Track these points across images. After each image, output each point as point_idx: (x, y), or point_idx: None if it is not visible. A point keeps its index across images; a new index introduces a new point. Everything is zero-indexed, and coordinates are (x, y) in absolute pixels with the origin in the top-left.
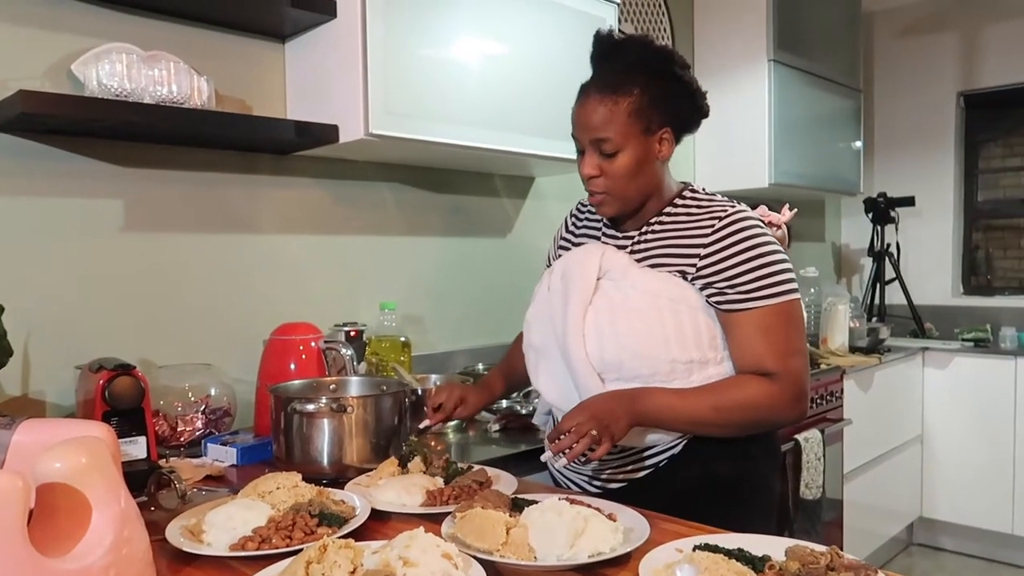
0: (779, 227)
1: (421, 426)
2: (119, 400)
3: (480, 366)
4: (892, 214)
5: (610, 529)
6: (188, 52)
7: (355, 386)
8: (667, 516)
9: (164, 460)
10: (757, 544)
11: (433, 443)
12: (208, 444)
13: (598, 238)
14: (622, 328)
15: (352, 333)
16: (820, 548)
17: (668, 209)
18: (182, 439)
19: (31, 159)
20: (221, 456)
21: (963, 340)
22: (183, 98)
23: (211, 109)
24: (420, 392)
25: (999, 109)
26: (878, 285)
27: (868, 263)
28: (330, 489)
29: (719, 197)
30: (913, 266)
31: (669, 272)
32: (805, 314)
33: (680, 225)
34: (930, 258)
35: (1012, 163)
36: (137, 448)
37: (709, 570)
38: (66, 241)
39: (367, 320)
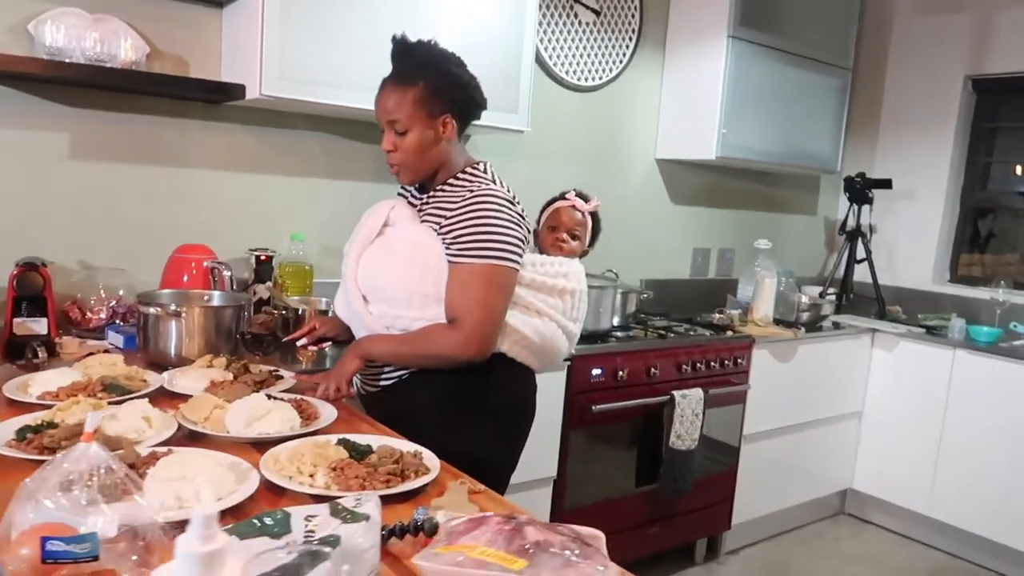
0: (581, 212)
1: (287, 339)
2: (25, 288)
3: None
4: (868, 194)
5: (286, 419)
6: (133, 15)
7: (217, 298)
8: (377, 424)
9: (59, 337)
10: (387, 443)
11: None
12: (109, 331)
13: (405, 196)
14: (386, 261)
15: (262, 257)
16: (410, 449)
17: (451, 180)
18: (91, 325)
19: None
20: (115, 341)
21: (922, 326)
22: (110, 58)
23: (128, 68)
24: (301, 312)
25: (1008, 96)
26: (851, 263)
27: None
28: (145, 370)
29: (488, 176)
30: (900, 248)
31: (429, 226)
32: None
33: (448, 193)
34: (916, 242)
35: (1018, 155)
36: (40, 326)
37: (308, 449)
38: (20, 164)
39: (285, 249)
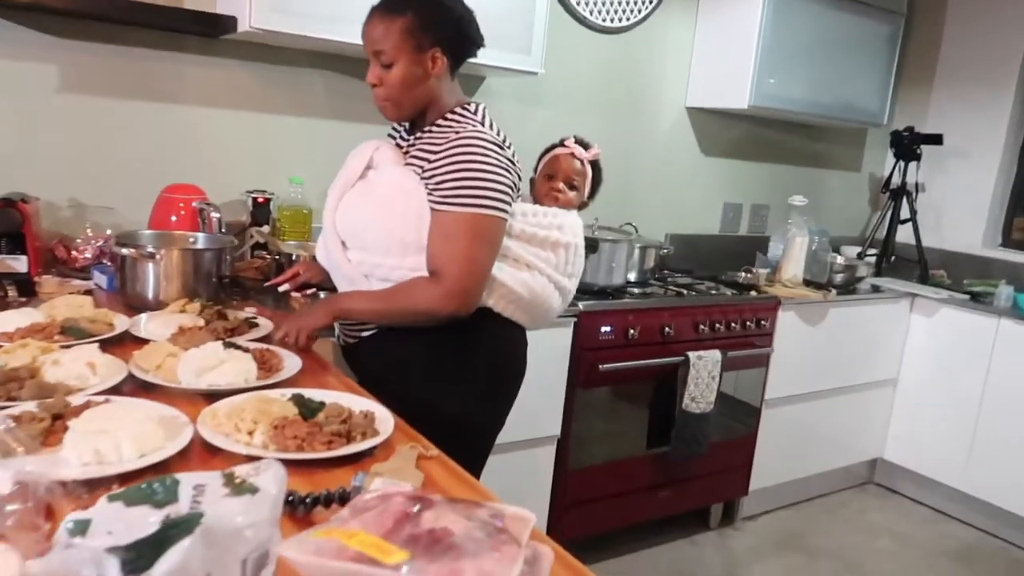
0: (581, 161)
1: (268, 284)
2: (2, 225)
3: None
4: (917, 150)
5: (240, 370)
6: None
7: (202, 241)
8: (346, 379)
9: (38, 276)
10: (344, 400)
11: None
12: (94, 271)
13: (395, 137)
14: (366, 205)
15: (259, 200)
16: (362, 408)
17: (439, 121)
18: (76, 264)
19: None
20: (100, 281)
21: (967, 292)
22: None
23: None
24: (295, 257)
25: None
26: (894, 223)
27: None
28: (116, 313)
29: (478, 119)
30: (949, 209)
31: (413, 170)
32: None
33: (435, 135)
34: (967, 203)
35: None
36: (20, 264)
37: (251, 404)
38: (6, 96)
39: (283, 192)
